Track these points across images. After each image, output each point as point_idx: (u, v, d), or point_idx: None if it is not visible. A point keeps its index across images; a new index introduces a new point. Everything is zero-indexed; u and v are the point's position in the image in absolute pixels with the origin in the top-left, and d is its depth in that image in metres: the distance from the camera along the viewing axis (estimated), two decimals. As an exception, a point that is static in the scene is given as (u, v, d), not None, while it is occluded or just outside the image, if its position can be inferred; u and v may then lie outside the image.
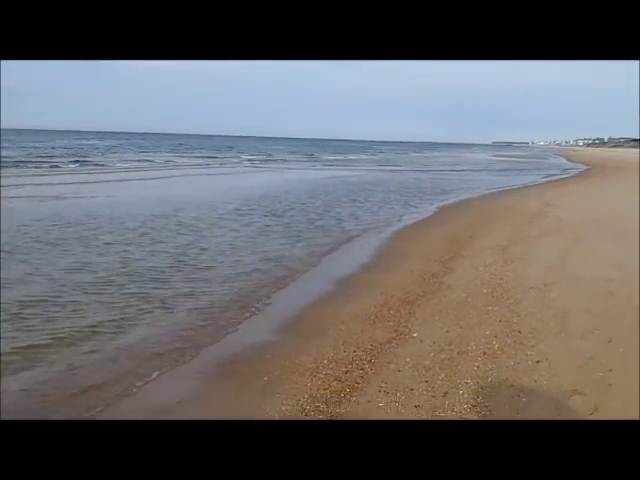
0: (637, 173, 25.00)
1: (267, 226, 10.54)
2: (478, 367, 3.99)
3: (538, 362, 4.02)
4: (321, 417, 3.37)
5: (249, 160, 38.94)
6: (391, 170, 32.17)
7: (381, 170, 32.02)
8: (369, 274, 7.00)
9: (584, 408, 3.33)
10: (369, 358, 4.30)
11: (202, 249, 8.32)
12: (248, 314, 5.51)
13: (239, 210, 12.52)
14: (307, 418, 3.34)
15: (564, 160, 54.82)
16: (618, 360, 4.01)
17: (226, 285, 6.47)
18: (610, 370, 3.85)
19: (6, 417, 3.42)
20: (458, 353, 4.26)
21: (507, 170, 34.31)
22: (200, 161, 36.28)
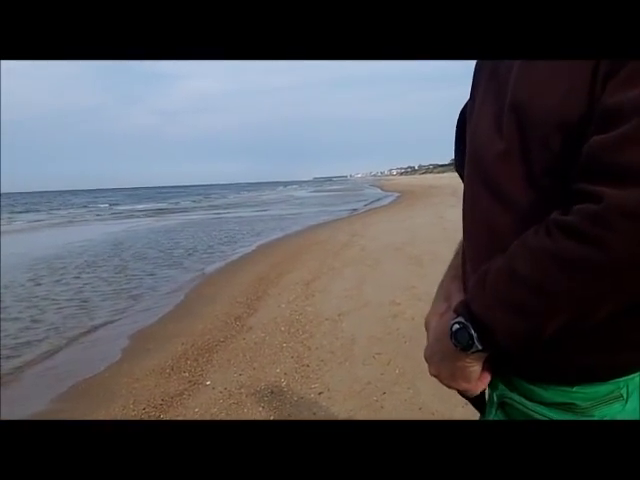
0: (440, 197, 27.27)
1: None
2: (263, 407, 4.06)
3: (320, 394, 4.18)
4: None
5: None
6: (216, 214, 32.19)
7: (210, 214, 31.96)
8: (172, 324, 6.89)
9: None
10: (158, 414, 4.20)
11: None
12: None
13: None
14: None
15: (378, 190, 58.33)
16: (393, 382, 4.28)
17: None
18: (384, 393, 4.09)
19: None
20: (246, 396, 4.30)
21: (324, 205, 35.60)
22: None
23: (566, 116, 0.83)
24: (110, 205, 52.63)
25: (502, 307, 0.86)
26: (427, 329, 1.14)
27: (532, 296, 0.83)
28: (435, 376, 1.06)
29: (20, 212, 45.19)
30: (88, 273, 11.48)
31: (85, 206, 52.84)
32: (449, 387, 1.05)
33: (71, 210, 45.81)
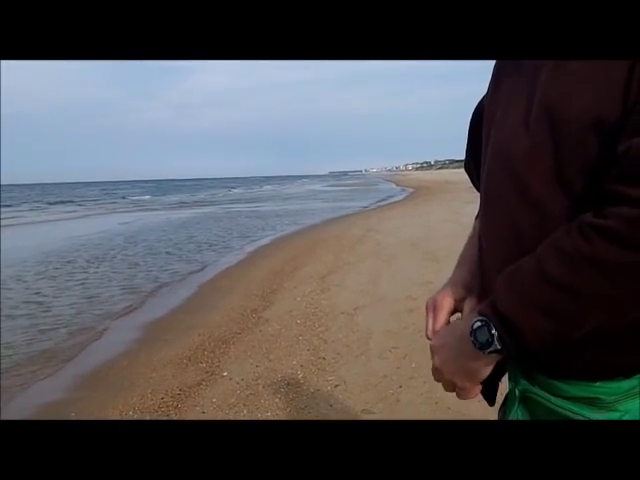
0: (456, 193, 27.13)
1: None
2: (279, 399, 4.09)
3: (336, 386, 4.21)
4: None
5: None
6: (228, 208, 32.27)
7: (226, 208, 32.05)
8: (189, 316, 6.95)
9: (371, 426, 3.52)
10: (176, 404, 4.25)
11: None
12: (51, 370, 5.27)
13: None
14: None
15: (393, 185, 58.24)
16: (409, 376, 4.30)
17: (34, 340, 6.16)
18: (400, 386, 4.12)
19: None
20: (263, 387, 4.34)
21: (339, 199, 35.59)
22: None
23: (599, 116, 0.82)
24: (152, 196, 53.36)
25: (531, 308, 0.85)
26: (428, 309, 1.12)
27: (565, 298, 0.82)
28: (437, 368, 1.04)
29: (55, 203, 45.50)
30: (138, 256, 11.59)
31: (124, 197, 53.32)
32: (448, 382, 1.03)
33: (102, 202, 46.11)
